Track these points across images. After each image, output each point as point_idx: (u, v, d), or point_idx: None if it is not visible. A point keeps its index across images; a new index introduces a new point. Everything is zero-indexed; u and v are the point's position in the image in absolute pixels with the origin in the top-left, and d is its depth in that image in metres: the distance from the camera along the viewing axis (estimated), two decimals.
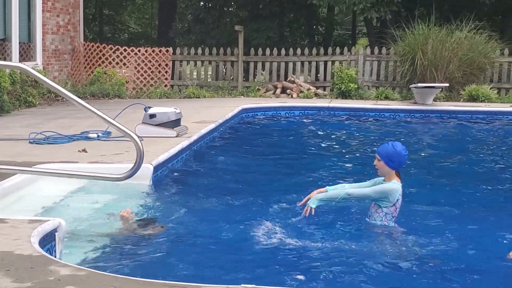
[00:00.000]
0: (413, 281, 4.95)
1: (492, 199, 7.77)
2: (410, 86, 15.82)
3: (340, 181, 8.07)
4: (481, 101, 15.86)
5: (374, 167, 6.03)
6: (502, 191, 8.23)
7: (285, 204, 6.73)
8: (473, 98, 16.03)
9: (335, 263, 5.15)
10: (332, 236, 5.78)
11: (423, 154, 10.73)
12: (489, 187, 8.30)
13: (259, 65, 18.97)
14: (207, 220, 6.15)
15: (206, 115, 12.51)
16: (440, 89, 15.86)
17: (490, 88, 16.48)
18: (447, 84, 15.89)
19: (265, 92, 17.61)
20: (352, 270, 5.01)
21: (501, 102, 16.09)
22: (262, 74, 19.37)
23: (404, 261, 5.27)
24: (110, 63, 17.94)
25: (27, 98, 14.03)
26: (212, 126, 11.16)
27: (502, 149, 11.55)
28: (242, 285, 3.84)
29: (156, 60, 18.24)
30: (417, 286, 4.90)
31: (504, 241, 5.83)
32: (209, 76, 19.24)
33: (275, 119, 14.47)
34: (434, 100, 15.55)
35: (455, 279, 5.01)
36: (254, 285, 3.84)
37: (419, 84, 15.42)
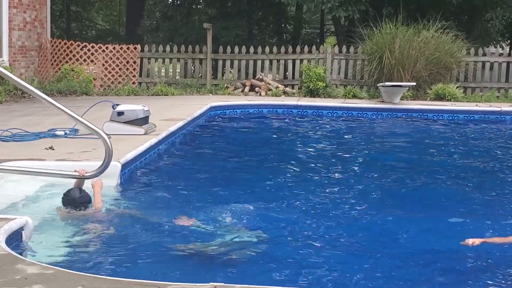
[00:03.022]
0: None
1: (451, 192, 7.96)
2: (378, 84, 15.93)
3: (305, 179, 8.20)
4: (448, 100, 16.02)
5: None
6: (461, 185, 8.44)
7: (251, 201, 6.76)
8: (439, 97, 16.19)
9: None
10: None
11: (390, 152, 10.83)
12: (451, 182, 8.55)
13: (228, 63, 18.95)
14: (176, 218, 6.14)
15: (174, 113, 12.47)
16: (407, 88, 16.00)
17: (457, 87, 16.65)
18: (414, 83, 16.04)
19: (233, 90, 17.60)
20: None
21: (467, 101, 16.27)
22: (230, 72, 19.36)
23: None
24: (77, 60, 17.79)
25: None
26: (180, 123, 11.13)
27: (466, 146, 11.71)
28: (211, 283, 3.84)
29: (124, 57, 18.13)
30: None
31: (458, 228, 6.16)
32: (177, 74, 19.17)
33: (244, 117, 14.48)
34: (401, 99, 15.67)
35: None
36: (223, 283, 3.85)
37: (387, 83, 15.53)
